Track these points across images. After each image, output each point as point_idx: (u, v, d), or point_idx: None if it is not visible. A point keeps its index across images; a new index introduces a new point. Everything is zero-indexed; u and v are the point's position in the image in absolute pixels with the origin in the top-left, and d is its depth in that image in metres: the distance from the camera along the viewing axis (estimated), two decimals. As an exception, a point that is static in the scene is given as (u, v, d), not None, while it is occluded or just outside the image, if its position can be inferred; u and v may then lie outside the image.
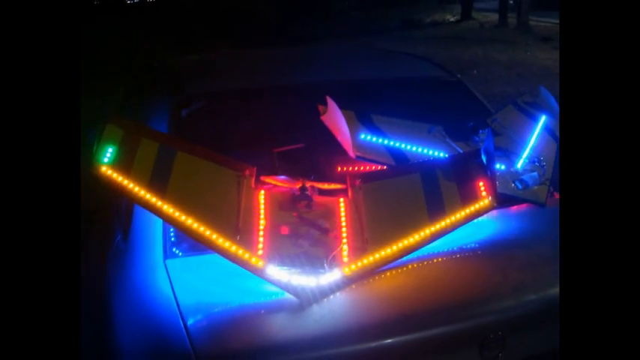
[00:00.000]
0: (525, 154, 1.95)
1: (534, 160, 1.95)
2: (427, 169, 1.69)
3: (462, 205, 1.60)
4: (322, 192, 1.65)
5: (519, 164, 1.91)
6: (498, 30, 17.14)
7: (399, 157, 1.84)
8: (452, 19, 20.94)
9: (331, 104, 1.83)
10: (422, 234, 1.55)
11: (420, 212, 1.58)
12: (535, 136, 2.05)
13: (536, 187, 1.86)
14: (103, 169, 1.53)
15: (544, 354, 1.43)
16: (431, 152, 1.88)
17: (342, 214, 1.59)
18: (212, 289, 1.47)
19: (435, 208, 1.59)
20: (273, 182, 1.67)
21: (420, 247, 1.54)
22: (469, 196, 1.63)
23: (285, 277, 1.42)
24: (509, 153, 1.94)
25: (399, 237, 1.53)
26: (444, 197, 1.61)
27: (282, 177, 1.69)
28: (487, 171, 1.62)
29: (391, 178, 1.70)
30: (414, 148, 1.88)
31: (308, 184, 1.64)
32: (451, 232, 1.58)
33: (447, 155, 1.85)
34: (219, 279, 1.49)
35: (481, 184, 1.63)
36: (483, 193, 1.63)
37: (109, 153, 1.55)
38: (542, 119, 2.10)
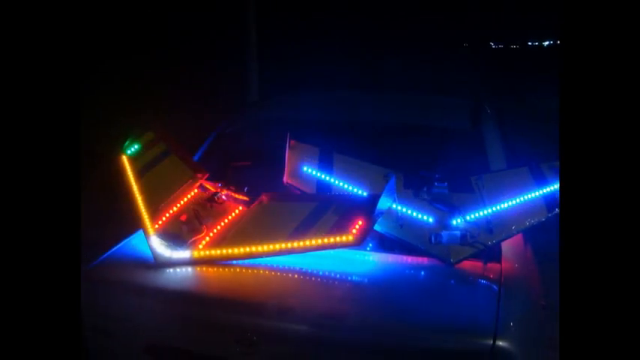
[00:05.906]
0: (472, 216, 1.91)
1: (489, 224, 1.89)
2: (325, 201, 1.92)
3: (326, 234, 1.83)
4: (233, 199, 2.05)
5: (455, 222, 1.89)
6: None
7: (324, 190, 2.04)
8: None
9: (295, 143, 2.13)
10: (265, 247, 1.86)
11: (283, 231, 1.88)
12: (507, 205, 1.94)
13: (450, 245, 1.85)
14: (124, 158, 2.16)
15: None
16: (360, 191, 2.01)
17: (229, 217, 1.97)
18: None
19: (300, 231, 1.86)
20: (207, 185, 2.09)
21: (261, 257, 1.85)
22: (339, 230, 1.81)
23: (156, 245, 1.87)
24: (459, 211, 1.91)
25: (251, 244, 1.85)
26: (317, 225, 1.86)
27: (220, 184, 2.10)
28: (371, 214, 1.79)
29: (291, 202, 1.99)
30: (345, 185, 2.03)
31: (223, 191, 2.03)
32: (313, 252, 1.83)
33: (365, 193, 1.99)
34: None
35: (360, 222, 1.80)
36: (354, 230, 1.78)
37: (133, 148, 2.20)
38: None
